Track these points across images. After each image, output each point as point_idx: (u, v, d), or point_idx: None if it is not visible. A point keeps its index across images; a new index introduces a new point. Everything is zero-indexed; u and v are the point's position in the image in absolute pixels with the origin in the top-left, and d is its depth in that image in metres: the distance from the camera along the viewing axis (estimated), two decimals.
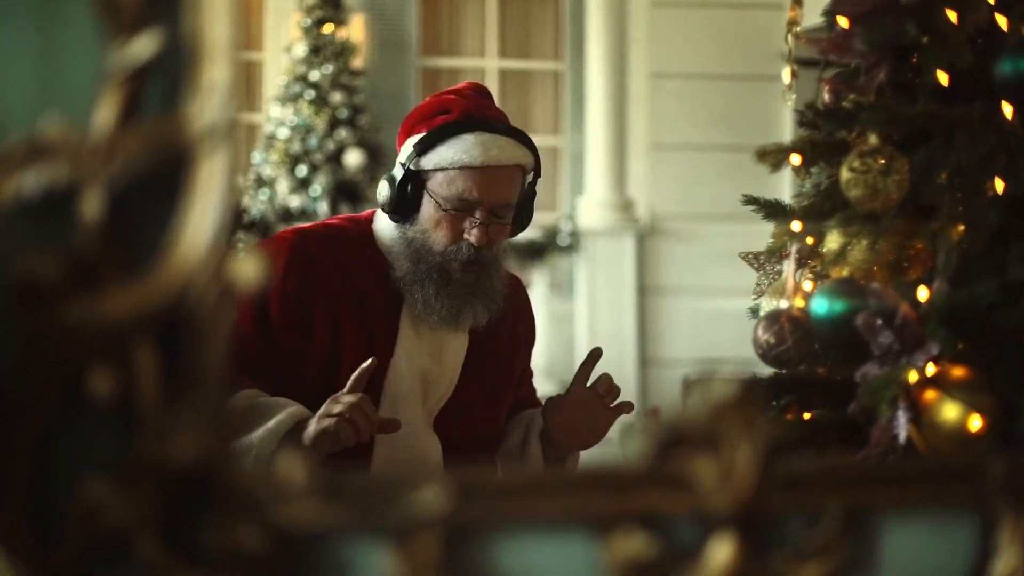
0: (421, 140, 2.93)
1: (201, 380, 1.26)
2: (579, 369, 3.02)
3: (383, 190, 2.96)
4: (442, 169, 2.90)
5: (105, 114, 1.26)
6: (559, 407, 3.00)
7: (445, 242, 2.90)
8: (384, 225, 3.00)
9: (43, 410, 1.26)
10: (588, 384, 3.00)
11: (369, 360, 2.74)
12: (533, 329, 3.26)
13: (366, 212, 3.11)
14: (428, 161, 2.91)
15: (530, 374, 3.30)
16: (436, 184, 2.90)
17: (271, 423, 2.70)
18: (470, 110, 2.96)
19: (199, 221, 1.25)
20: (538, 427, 3.08)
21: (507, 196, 2.93)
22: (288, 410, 2.74)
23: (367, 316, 2.93)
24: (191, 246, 1.25)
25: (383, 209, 2.99)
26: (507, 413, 3.14)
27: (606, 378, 3.01)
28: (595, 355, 3.02)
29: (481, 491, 1.30)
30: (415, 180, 2.92)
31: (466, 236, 2.89)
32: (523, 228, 3.06)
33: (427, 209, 2.91)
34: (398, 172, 2.95)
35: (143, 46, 1.26)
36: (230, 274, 1.24)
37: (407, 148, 2.95)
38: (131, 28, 1.26)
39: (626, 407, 3.03)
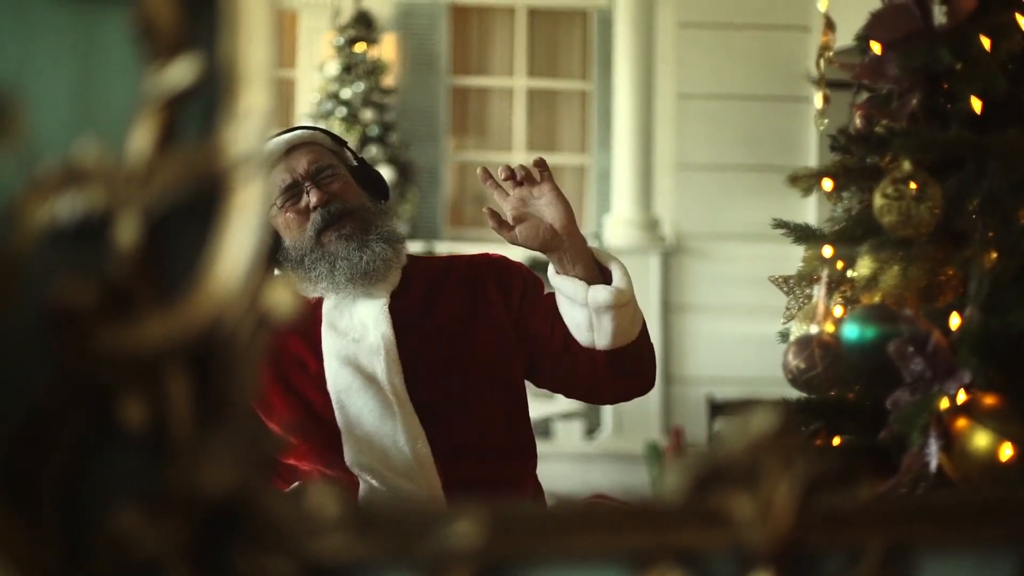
0: None
1: (234, 409, 1.25)
2: (493, 190, 2.98)
3: None
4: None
5: (142, 139, 1.25)
6: (513, 226, 2.95)
7: (302, 229, 3.03)
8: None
9: (75, 437, 1.25)
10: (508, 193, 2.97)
11: None
12: (516, 282, 3.18)
13: None
14: None
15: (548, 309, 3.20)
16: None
17: None
18: None
19: (234, 249, 1.24)
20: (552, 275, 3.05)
21: (312, 160, 3.07)
22: None
23: (297, 358, 3.02)
24: (226, 274, 1.23)
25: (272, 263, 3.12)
26: (513, 371, 3.10)
27: (503, 169, 2.96)
28: (482, 177, 2.98)
29: (516, 525, 1.29)
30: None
31: (309, 206, 3.02)
32: (379, 189, 3.18)
33: (280, 225, 3.05)
34: None
35: (181, 71, 1.25)
36: (265, 303, 1.23)
37: None
38: (169, 53, 1.25)
39: (538, 162, 2.97)
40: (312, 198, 3.00)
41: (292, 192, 3.02)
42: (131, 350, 1.23)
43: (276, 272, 3.09)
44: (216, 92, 1.26)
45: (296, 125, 3.18)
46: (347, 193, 3.06)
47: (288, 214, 3.02)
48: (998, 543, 1.39)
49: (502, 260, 3.23)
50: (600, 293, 2.98)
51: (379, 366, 2.97)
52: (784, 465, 1.30)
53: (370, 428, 2.93)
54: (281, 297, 1.22)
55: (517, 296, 3.15)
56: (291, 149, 3.06)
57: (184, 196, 1.25)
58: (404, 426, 2.93)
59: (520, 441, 3.10)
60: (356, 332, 3.01)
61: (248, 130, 1.24)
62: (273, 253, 3.06)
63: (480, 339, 3.07)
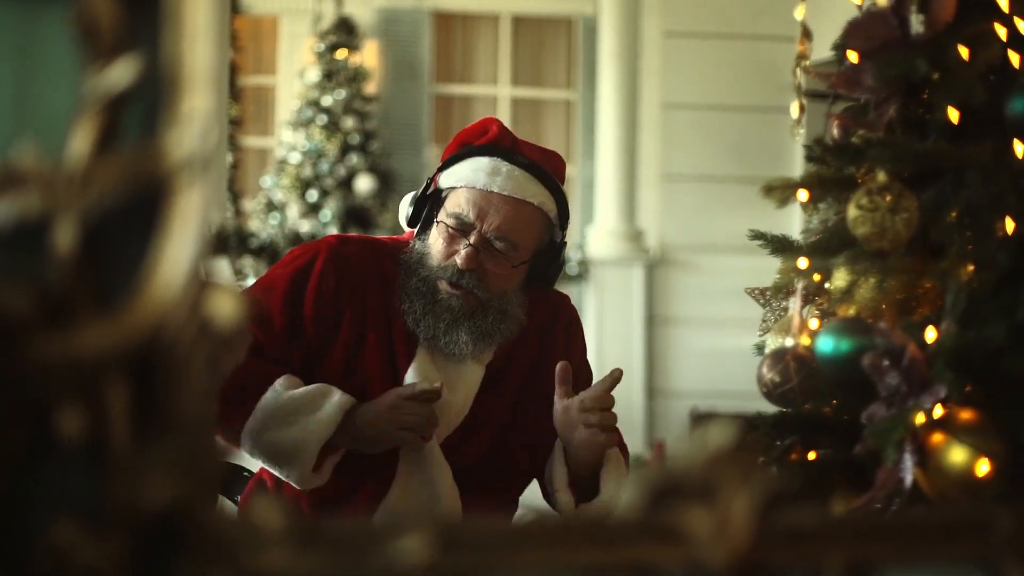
0: (448, 158, 2.97)
1: (176, 420, 1.22)
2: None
3: (405, 203, 3.02)
4: (452, 188, 2.94)
5: (81, 143, 1.22)
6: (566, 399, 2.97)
7: (439, 259, 2.93)
8: None
9: (11, 450, 1.22)
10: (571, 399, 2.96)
11: (438, 384, 2.83)
12: (573, 350, 3.20)
13: (408, 232, 3.11)
14: (446, 179, 2.96)
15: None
16: (447, 201, 2.94)
17: (322, 413, 2.77)
18: (500, 137, 2.98)
19: (176, 254, 1.21)
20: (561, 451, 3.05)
21: (508, 228, 2.92)
22: (336, 401, 2.79)
23: (391, 330, 2.94)
24: (167, 280, 1.21)
25: (402, 222, 3.05)
26: (540, 453, 3.08)
27: (589, 398, 2.96)
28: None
29: (466, 540, 1.26)
30: (434, 197, 2.96)
31: (455, 257, 2.90)
32: (546, 283, 3.06)
33: (435, 226, 2.94)
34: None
35: (121, 73, 1.22)
36: (207, 310, 1.20)
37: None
38: (109, 54, 1.22)
39: (605, 416, 2.96)
40: (461, 255, 2.89)
41: (459, 226, 2.91)
42: (69, 359, 1.20)
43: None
44: (158, 94, 1.23)
45: (539, 166, 2.99)
46: (497, 279, 2.94)
47: (444, 234, 2.92)
48: (961, 560, 1.37)
49: (572, 316, 3.22)
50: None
51: (446, 419, 2.97)
52: (742, 480, 1.27)
53: (424, 462, 2.95)
54: (223, 305, 1.19)
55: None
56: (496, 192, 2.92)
57: (124, 201, 1.22)
58: (446, 476, 2.95)
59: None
60: (447, 375, 2.98)
61: (190, 133, 1.21)
62: (411, 220, 3.01)
63: (523, 421, 3.07)
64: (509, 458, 3.06)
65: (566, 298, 3.25)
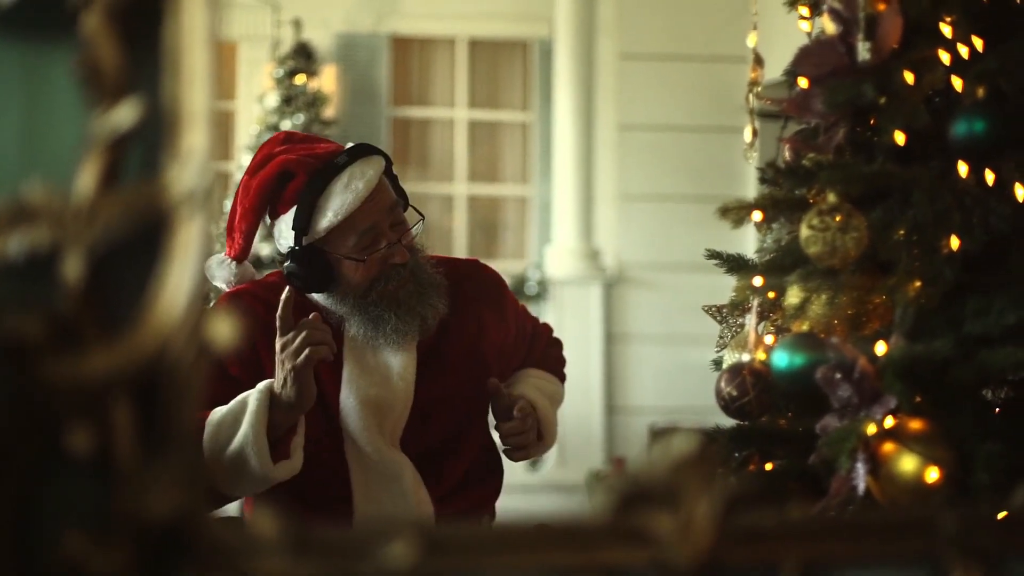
0: (295, 219, 2.95)
1: (177, 436, 1.29)
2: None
3: (295, 276, 2.99)
4: (329, 231, 2.95)
5: (87, 179, 1.29)
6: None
7: (374, 276, 2.97)
8: None
9: (24, 466, 1.29)
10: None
11: (285, 291, 2.82)
12: (505, 306, 3.28)
13: (275, 273, 3.15)
14: (314, 232, 2.95)
15: (529, 337, 3.37)
16: (335, 244, 2.96)
17: (248, 412, 2.76)
18: (307, 163, 2.99)
19: (176, 283, 1.28)
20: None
21: (390, 203, 3.01)
22: (255, 391, 2.80)
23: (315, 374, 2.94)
24: (168, 307, 1.28)
25: (305, 290, 3.03)
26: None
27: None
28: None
29: (449, 545, 1.34)
30: (314, 253, 2.96)
31: (390, 262, 2.98)
32: (404, 198, 3.11)
33: (346, 267, 2.97)
34: (289, 258, 2.98)
35: (124, 114, 1.30)
36: (205, 335, 1.28)
37: (284, 233, 2.98)
38: (113, 96, 1.30)
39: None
40: (396, 256, 2.98)
41: (371, 242, 2.98)
42: (78, 381, 1.27)
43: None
44: (159, 133, 1.31)
45: (344, 147, 3.05)
46: (409, 245, 3.05)
47: (357, 262, 2.96)
48: (911, 559, 1.45)
49: (494, 289, 3.30)
50: None
51: (394, 416, 3.02)
52: (704, 486, 1.35)
53: (379, 468, 2.99)
54: (220, 329, 1.27)
55: (501, 334, 3.23)
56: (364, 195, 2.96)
57: (129, 233, 1.29)
58: (407, 471, 3.00)
59: (494, 462, 3.19)
60: (380, 374, 3.02)
61: (190, 169, 1.29)
62: (315, 285, 3.01)
63: (471, 376, 3.13)
64: (469, 434, 3.14)
65: (479, 265, 3.33)
